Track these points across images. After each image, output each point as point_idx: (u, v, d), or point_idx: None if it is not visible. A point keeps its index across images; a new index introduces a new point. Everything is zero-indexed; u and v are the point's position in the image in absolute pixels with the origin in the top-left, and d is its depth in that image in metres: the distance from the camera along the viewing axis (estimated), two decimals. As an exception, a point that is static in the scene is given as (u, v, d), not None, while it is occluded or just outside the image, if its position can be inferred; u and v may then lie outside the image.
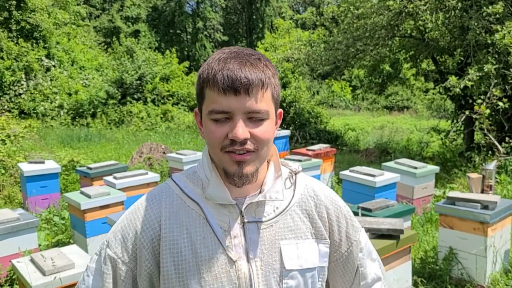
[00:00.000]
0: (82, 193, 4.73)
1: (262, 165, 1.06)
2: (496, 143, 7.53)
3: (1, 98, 14.89)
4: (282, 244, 1.07)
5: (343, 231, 1.16)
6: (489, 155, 7.45)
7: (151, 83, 16.05)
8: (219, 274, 1.02)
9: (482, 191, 5.31)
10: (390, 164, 6.04)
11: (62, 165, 7.53)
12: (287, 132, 9.37)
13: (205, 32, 34.63)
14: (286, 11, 36.74)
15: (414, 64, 12.24)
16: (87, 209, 4.45)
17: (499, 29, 7.31)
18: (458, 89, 7.45)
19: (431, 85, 15.62)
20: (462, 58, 8.21)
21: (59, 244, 4.81)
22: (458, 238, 3.86)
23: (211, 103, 0.99)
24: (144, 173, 5.67)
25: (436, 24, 8.37)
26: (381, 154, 10.48)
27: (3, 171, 7.40)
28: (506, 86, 7.68)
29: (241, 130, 0.96)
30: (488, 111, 7.32)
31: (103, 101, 15.72)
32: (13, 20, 15.87)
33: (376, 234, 3.04)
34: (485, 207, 3.76)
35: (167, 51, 18.45)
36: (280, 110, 1.10)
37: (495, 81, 7.54)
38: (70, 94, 16.16)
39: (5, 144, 8.78)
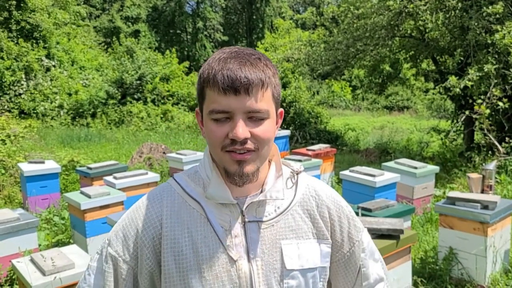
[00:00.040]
0: (82, 193, 4.73)
1: (263, 165, 1.07)
2: (496, 143, 7.53)
3: (1, 98, 14.90)
4: (283, 244, 1.07)
5: (345, 231, 1.16)
6: (489, 155, 7.45)
7: (151, 83, 16.05)
8: (220, 273, 1.02)
9: (482, 191, 5.31)
10: (390, 164, 6.04)
11: (62, 165, 7.53)
12: (287, 132, 9.38)
13: (205, 32, 34.64)
14: (286, 11, 36.75)
15: (414, 64, 12.24)
16: (87, 209, 4.45)
17: (499, 29, 7.31)
18: (458, 89, 7.45)
19: (431, 85, 15.63)
20: (462, 58, 8.21)
21: (59, 244, 4.81)
22: (458, 238, 3.86)
23: (212, 103, 0.99)
24: (144, 173, 5.67)
25: (436, 24, 8.37)
26: (381, 154, 10.48)
27: (3, 171, 7.40)
28: (506, 86, 7.67)
29: (241, 129, 0.97)
30: (488, 111, 7.32)
31: (103, 101, 15.73)
32: (13, 20, 15.87)
33: (376, 234, 3.04)
34: (485, 207, 3.76)
35: (167, 51, 18.45)
36: (281, 109, 1.10)
37: (495, 81, 7.54)
38: (70, 94, 16.16)
39: (5, 144, 8.78)
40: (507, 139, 7.64)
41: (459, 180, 7.27)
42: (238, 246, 1.04)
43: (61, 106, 15.56)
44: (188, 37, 34.35)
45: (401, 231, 3.07)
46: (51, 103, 15.52)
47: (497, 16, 7.52)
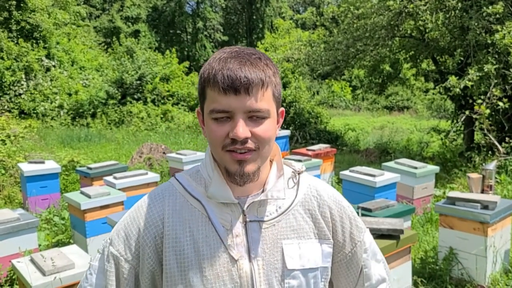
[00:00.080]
0: (82, 193, 4.73)
1: (264, 164, 1.07)
2: (496, 143, 7.53)
3: (1, 98, 14.89)
4: (284, 244, 1.07)
5: (347, 231, 1.16)
6: (489, 155, 7.45)
7: (151, 83, 16.05)
8: (221, 273, 1.03)
9: (482, 191, 5.31)
10: (390, 164, 6.04)
11: (62, 165, 7.53)
12: (287, 132, 9.38)
13: (205, 32, 34.64)
14: (286, 11, 36.75)
15: (414, 64, 12.25)
16: (87, 209, 4.45)
17: (499, 29, 7.31)
18: (458, 89, 7.45)
19: (431, 85, 15.64)
20: (462, 58, 8.21)
21: (59, 244, 4.81)
22: (458, 238, 3.86)
23: (212, 102, 0.99)
24: (144, 173, 5.67)
25: (436, 24, 8.37)
26: (381, 154, 10.48)
27: (3, 171, 7.40)
28: (506, 86, 7.67)
29: (242, 129, 0.97)
30: (488, 111, 7.32)
31: (103, 101, 15.73)
32: (13, 20, 15.87)
33: (376, 234, 3.04)
34: (485, 207, 3.76)
35: (167, 51, 18.45)
36: (282, 109, 1.10)
37: (495, 81, 7.54)
38: (70, 94, 16.16)
39: (5, 144, 8.79)
40: (507, 139, 7.64)
41: (459, 180, 7.27)
42: (239, 245, 1.04)
43: (61, 106, 15.56)
44: (188, 37, 34.35)
45: (401, 231, 3.07)
46: (51, 103, 15.52)
47: (497, 16, 7.52)
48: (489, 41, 7.39)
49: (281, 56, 12.25)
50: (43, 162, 6.49)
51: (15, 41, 15.70)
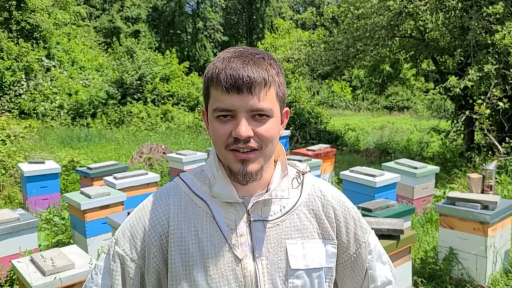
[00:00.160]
0: (82, 193, 4.73)
1: (268, 164, 1.07)
2: (496, 143, 7.53)
3: (1, 98, 14.90)
4: (288, 244, 1.07)
5: (351, 232, 1.16)
6: (489, 155, 7.45)
7: (151, 83, 16.05)
8: (225, 272, 1.03)
9: (482, 191, 5.31)
10: (390, 164, 6.04)
11: (62, 165, 7.53)
12: (287, 132, 9.38)
13: (205, 32, 34.64)
14: (286, 11, 36.76)
15: (414, 64, 12.25)
16: (87, 209, 4.45)
17: (499, 29, 7.31)
18: (458, 89, 7.45)
19: (431, 85, 15.64)
20: (462, 58, 8.21)
21: (59, 244, 4.81)
22: (458, 238, 3.86)
23: (215, 101, 1.00)
24: (144, 173, 5.67)
25: (436, 24, 8.37)
26: (381, 154, 10.48)
27: (3, 171, 7.41)
28: (506, 86, 7.67)
29: (244, 128, 0.97)
30: (488, 111, 7.32)
31: (103, 101, 15.73)
32: (13, 20, 15.87)
33: (376, 235, 3.03)
34: (485, 207, 3.76)
35: (167, 51, 18.45)
36: (287, 109, 1.11)
37: (495, 81, 7.54)
38: (70, 94, 16.16)
39: (5, 144, 8.79)
40: (507, 139, 7.64)
41: (459, 180, 7.27)
42: (243, 245, 1.05)
43: (61, 106, 15.56)
44: (188, 37, 34.36)
45: (401, 231, 3.07)
46: (51, 103, 15.52)
47: (497, 16, 7.52)
48: (489, 41, 7.39)
49: (281, 56, 12.26)
50: (43, 162, 6.49)
51: (15, 41, 15.71)
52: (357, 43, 9.99)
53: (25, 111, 14.99)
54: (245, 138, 0.98)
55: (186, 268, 1.04)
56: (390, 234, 3.07)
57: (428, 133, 12.45)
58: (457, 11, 8.27)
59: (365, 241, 1.18)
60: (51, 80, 16.23)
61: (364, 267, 1.19)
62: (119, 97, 15.82)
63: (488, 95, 7.56)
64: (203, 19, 34.34)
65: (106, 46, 24.86)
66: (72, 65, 18.05)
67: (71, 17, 20.68)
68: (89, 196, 4.55)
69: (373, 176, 5.15)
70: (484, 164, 6.40)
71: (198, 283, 1.03)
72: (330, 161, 7.44)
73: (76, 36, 20.70)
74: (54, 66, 16.86)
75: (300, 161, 6.31)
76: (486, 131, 7.55)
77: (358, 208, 3.83)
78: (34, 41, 16.25)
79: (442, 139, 10.34)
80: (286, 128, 11.94)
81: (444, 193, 6.28)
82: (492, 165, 5.52)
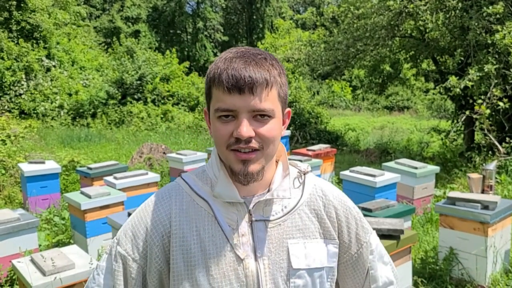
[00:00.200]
0: (82, 193, 4.73)
1: (269, 164, 1.07)
2: (497, 143, 7.53)
3: (2, 98, 14.90)
4: (290, 243, 1.07)
5: (353, 232, 1.16)
6: (489, 155, 7.45)
7: (151, 83, 16.05)
8: (227, 272, 1.03)
9: (483, 191, 5.31)
10: (391, 164, 6.04)
11: (63, 165, 7.53)
12: (287, 132, 9.38)
13: (205, 32, 34.63)
14: (286, 11, 36.76)
15: (415, 64, 12.24)
16: (87, 209, 4.45)
17: (500, 29, 7.31)
18: (458, 89, 7.45)
19: (432, 85, 15.64)
20: (462, 58, 8.20)
21: (59, 244, 4.81)
22: (458, 238, 3.86)
23: (217, 101, 1.00)
24: (144, 173, 5.67)
25: (436, 24, 8.37)
26: (381, 154, 10.48)
27: (3, 171, 7.41)
28: (507, 86, 7.67)
29: (246, 128, 0.97)
30: (488, 111, 7.32)
31: (103, 101, 15.73)
32: (13, 20, 15.87)
33: (377, 235, 3.04)
34: (486, 207, 3.76)
35: (167, 51, 18.46)
36: (289, 109, 1.11)
37: (496, 81, 7.54)
38: (70, 94, 16.17)
39: (6, 144, 8.79)
40: (507, 139, 7.64)
41: (459, 180, 7.27)
42: (245, 245, 1.05)
43: (61, 106, 15.56)
44: (188, 37, 34.35)
45: (401, 231, 3.07)
46: (51, 103, 15.53)
47: (497, 16, 7.51)
48: (489, 41, 7.39)
49: (281, 56, 12.27)
50: (43, 162, 6.49)
51: (16, 41, 15.71)
52: (357, 43, 9.99)
53: (25, 111, 14.99)
54: (247, 139, 0.98)
55: (188, 268, 1.04)
56: (390, 234, 3.07)
57: (428, 133, 12.44)
58: (457, 11, 8.27)
59: (367, 241, 1.18)
60: (51, 80, 16.23)
61: (366, 267, 1.19)
62: (119, 97, 15.82)
63: (488, 95, 7.56)
64: (203, 19, 34.34)
65: (106, 46, 24.86)
66: (72, 65, 18.05)
67: (71, 17, 20.68)
68: (89, 196, 4.55)
69: (373, 176, 5.15)
70: (484, 164, 6.40)
71: (200, 283, 1.03)
72: (330, 161, 7.44)
73: (76, 36, 20.71)
74: (54, 66, 16.87)
75: (300, 161, 6.31)
76: (486, 131, 7.55)
77: (358, 208, 3.83)
78: (34, 41, 16.26)
79: (442, 139, 10.34)
80: (286, 128, 11.94)
81: (444, 193, 6.28)
82: (492, 165, 5.52)
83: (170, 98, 16.36)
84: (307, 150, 7.42)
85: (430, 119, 18.63)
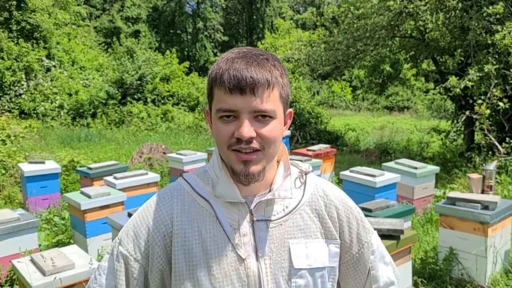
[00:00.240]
0: (82, 193, 4.73)
1: (271, 164, 1.08)
2: (497, 144, 7.53)
3: (2, 98, 14.90)
4: (291, 243, 1.07)
5: (354, 232, 1.16)
6: (489, 155, 7.45)
7: (151, 83, 16.06)
8: (229, 272, 1.03)
9: (483, 192, 5.31)
10: (390, 164, 6.03)
11: (62, 165, 7.53)
12: (287, 132, 9.38)
13: (206, 33, 34.64)
14: (287, 11, 36.76)
15: (415, 65, 12.25)
16: (87, 209, 4.45)
17: (500, 30, 7.31)
18: (458, 90, 7.45)
19: (432, 85, 15.64)
20: (462, 59, 8.20)
21: (59, 244, 4.81)
22: (458, 238, 3.86)
23: (219, 102, 1.01)
24: (144, 173, 5.67)
25: (436, 24, 8.37)
26: (381, 155, 10.48)
27: (3, 171, 7.41)
28: (507, 87, 7.67)
29: (247, 129, 0.98)
30: (488, 111, 7.32)
31: (103, 101, 15.73)
32: (13, 20, 15.87)
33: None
34: (486, 207, 3.76)
35: (167, 51, 18.46)
36: (290, 110, 1.11)
37: (496, 81, 7.54)
38: (70, 94, 16.17)
39: (5, 144, 8.79)
40: (507, 139, 7.64)
41: (459, 180, 7.27)
42: (246, 244, 1.05)
43: (61, 106, 15.56)
44: (188, 37, 34.36)
45: (401, 232, 3.07)
46: (51, 103, 15.53)
47: (498, 16, 7.51)
48: (489, 41, 7.39)
49: (281, 56, 12.28)
50: (43, 162, 6.49)
51: (16, 41, 15.71)
52: (357, 43, 9.99)
53: (25, 111, 14.99)
54: (248, 139, 0.98)
55: (190, 268, 1.04)
56: (390, 234, 3.07)
57: (428, 133, 12.44)
58: (457, 11, 8.27)
59: (368, 241, 1.18)
60: (51, 80, 16.23)
61: (367, 267, 1.19)
62: (119, 97, 15.83)
63: (488, 95, 7.56)
64: (203, 19, 34.34)
65: (106, 46, 24.86)
66: (72, 65, 18.05)
67: (71, 17, 20.68)
68: (89, 196, 4.55)
69: (373, 176, 5.15)
70: (484, 164, 6.40)
71: (202, 283, 1.03)
72: (330, 161, 7.44)
73: (76, 36, 20.71)
74: (54, 66, 16.87)
75: (300, 161, 6.31)
76: (486, 131, 7.55)
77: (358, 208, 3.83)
78: (34, 41, 16.26)
79: (442, 139, 10.34)
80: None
81: (444, 193, 6.28)
82: (492, 165, 5.52)
83: (170, 98, 16.36)
84: (307, 150, 7.42)
85: (430, 119, 18.63)
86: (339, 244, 1.13)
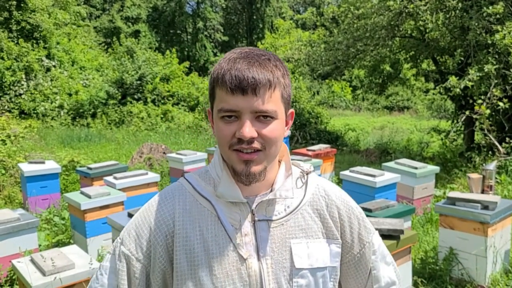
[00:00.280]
0: (82, 193, 4.73)
1: (272, 164, 1.08)
2: (497, 143, 7.53)
3: (2, 98, 14.90)
4: (293, 243, 1.07)
5: (355, 232, 1.16)
6: (489, 155, 7.45)
7: (151, 83, 16.06)
8: (230, 272, 1.03)
9: (483, 192, 5.31)
10: (390, 164, 6.03)
11: (62, 165, 7.53)
12: (287, 132, 9.37)
13: (206, 32, 34.64)
14: (287, 11, 36.76)
15: (415, 64, 12.25)
16: (87, 209, 4.45)
17: (500, 30, 7.31)
18: (458, 89, 7.45)
19: (432, 85, 15.64)
20: (462, 59, 8.20)
21: (59, 244, 4.81)
22: (458, 238, 3.86)
23: (220, 102, 1.01)
24: (144, 173, 5.67)
25: (436, 24, 8.37)
26: (381, 155, 10.48)
27: (3, 171, 7.40)
28: (507, 87, 7.67)
29: (248, 129, 0.98)
30: (488, 111, 7.32)
31: (103, 101, 15.73)
32: (13, 20, 15.88)
33: (376, 235, 3.04)
34: (485, 207, 3.76)
35: (167, 51, 18.46)
36: (292, 110, 1.11)
37: (495, 81, 7.54)
38: (70, 94, 16.17)
39: (5, 144, 8.79)
40: (507, 139, 7.64)
41: (459, 180, 7.26)
42: (248, 244, 1.05)
43: (61, 106, 15.56)
44: (188, 37, 34.36)
45: (401, 231, 3.07)
46: (51, 103, 15.53)
47: (498, 16, 7.51)
48: (489, 41, 7.39)
49: (281, 56, 12.27)
50: (43, 162, 6.49)
51: (16, 41, 15.71)
52: (357, 43, 9.99)
53: (25, 111, 14.99)
54: (249, 139, 0.98)
55: (191, 268, 1.04)
56: (390, 234, 3.07)
57: (428, 133, 12.44)
58: (457, 11, 8.27)
59: (369, 241, 1.18)
60: (51, 80, 16.23)
61: (368, 267, 1.19)
62: (119, 97, 15.83)
63: (488, 95, 7.56)
64: (203, 19, 34.34)
65: (106, 46, 24.87)
66: (72, 65, 18.05)
67: (71, 17, 20.68)
68: (89, 196, 4.55)
69: (373, 176, 5.15)
70: (484, 164, 6.40)
71: (203, 283, 1.03)
72: (330, 161, 7.44)
73: (76, 36, 20.71)
74: (54, 66, 16.87)
75: (301, 161, 6.31)
76: (486, 131, 7.55)
77: (358, 208, 3.83)
78: (34, 41, 16.26)
79: (442, 139, 10.34)
80: (286, 128, 11.94)
81: (444, 193, 6.28)
82: (492, 165, 5.52)
83: (170, 98, 16.36)
84: (307, 150, 7.42)
85: (430, 119, 18.64)
86: (341, 244, 1.14)
